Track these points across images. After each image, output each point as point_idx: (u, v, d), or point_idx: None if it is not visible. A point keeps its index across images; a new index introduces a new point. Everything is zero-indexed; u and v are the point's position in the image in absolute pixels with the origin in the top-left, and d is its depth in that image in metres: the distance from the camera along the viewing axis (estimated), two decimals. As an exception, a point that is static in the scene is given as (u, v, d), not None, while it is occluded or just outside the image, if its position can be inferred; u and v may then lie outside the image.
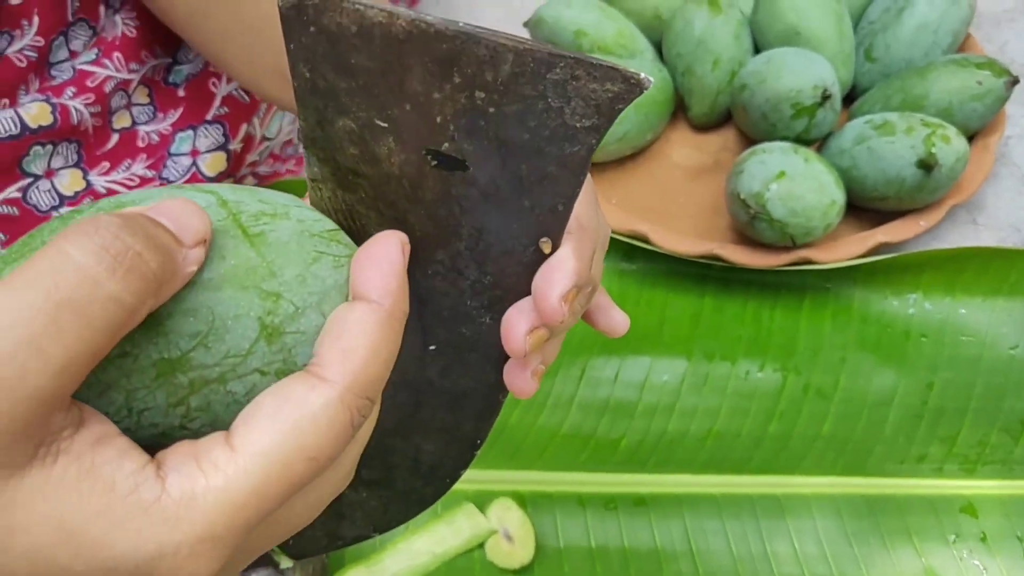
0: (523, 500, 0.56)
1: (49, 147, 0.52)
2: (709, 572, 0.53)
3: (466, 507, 0.55)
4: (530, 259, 0.30)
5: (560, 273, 0.29)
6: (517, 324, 0.30)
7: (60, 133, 0.52)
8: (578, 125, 0.26)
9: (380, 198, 0.29)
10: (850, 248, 0.63)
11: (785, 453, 0.58)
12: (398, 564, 0.54)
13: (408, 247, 0.26)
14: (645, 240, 0.65)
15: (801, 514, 0.55)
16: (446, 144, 0.27)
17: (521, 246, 0.30)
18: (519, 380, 0.33)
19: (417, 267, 0.30)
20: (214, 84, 0.60)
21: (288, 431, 0.21)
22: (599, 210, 0.34)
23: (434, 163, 0.28)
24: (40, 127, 0.50)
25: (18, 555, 0.20)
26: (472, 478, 0.53)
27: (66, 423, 0.20)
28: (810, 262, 0.63)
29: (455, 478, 0.40)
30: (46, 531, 0.19)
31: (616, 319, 0.36)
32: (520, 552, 0.54)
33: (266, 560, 0.47)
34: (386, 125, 0.27)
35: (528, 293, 0.31)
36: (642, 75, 0.25)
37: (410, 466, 0.39)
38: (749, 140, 0.71)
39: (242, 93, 0.61)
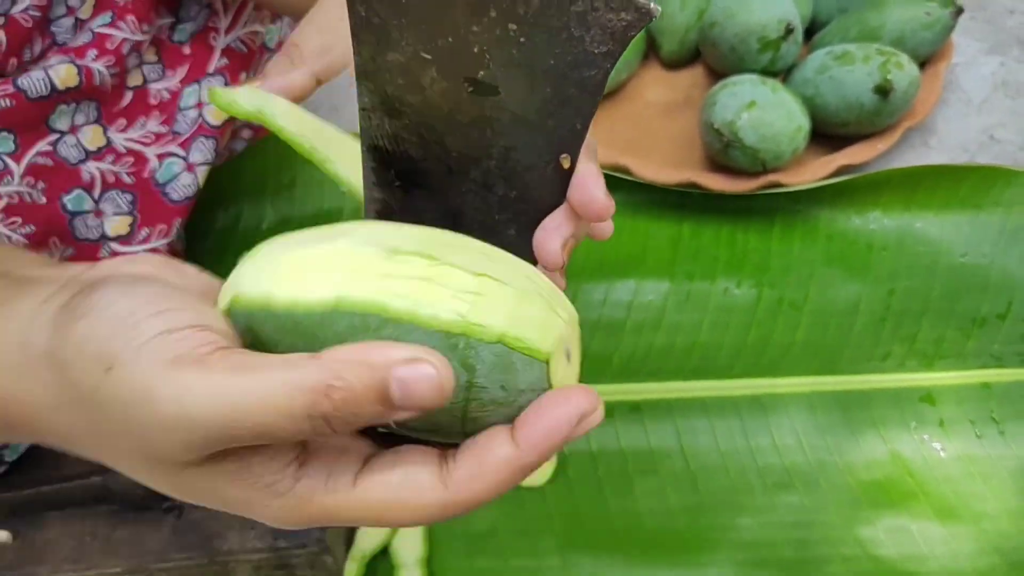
0: (528, 412, 0.61)
1: (72, 105, 0.55)
2: (699, 466, 0.59)
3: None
4: (551, 174, 0.34)
5: (594, 178, 0.34)
6: (551, 238, 0.35)
7: (83, 93, 0.55)
8: (596, 51, 0.31)
9: (422, 124, 0.33)
10: (815, 171, 0.68)
11: (764, 359, 0.63)
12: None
13: (592, 419, 0.26)
14: (627, 172, 0.69)
15: (779, 411, 0.61)
16: (482, 72, 0.31)
17: (543, 162, 0.34)
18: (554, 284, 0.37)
19: (453, 185, 0.35)
20: (214, 38, 0.63)
21: (391, 505, 0.26)
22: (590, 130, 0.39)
23: (471, 90, 0.32)
24: (68, 88, 0.53)
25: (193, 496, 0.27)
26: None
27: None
28: (779, 185, 0.68)
29: None
30: (210, 498, 0.27)
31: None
32: (535, 475, 0.59)
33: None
34: (430, 57, 0.31)
35: (548, 206, 0.35)
36: (652, 4, 0.29)
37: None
38: (717, 76, 0.76)
39: (240, 44, 0.64)
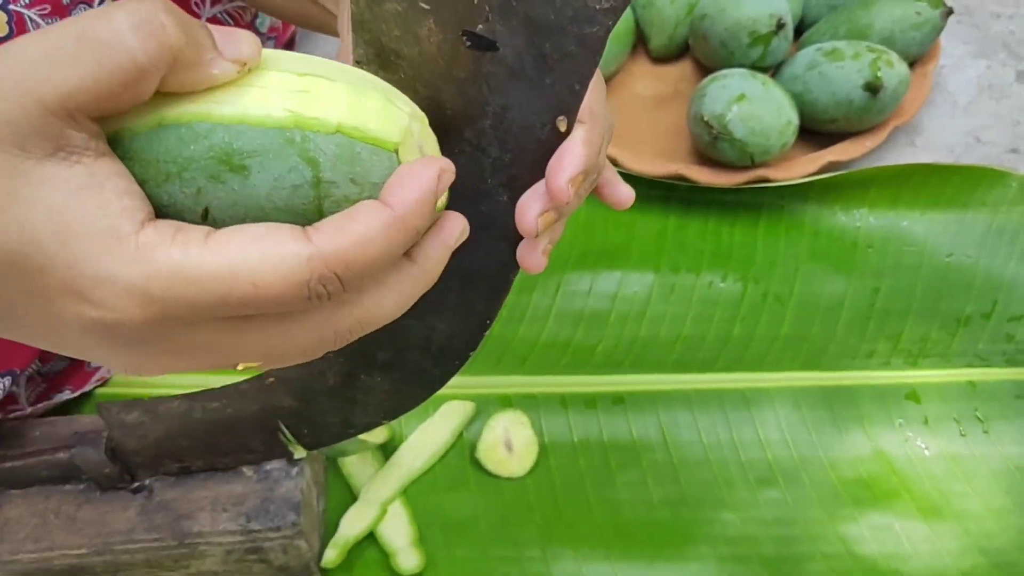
0: (510, 401, 0.60)
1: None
2: (682, 460, 0.58)
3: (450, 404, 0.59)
4: (547, 136, 0.33)
5: (570, 158, 0.33)
6: (530, 207, 0.34)
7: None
8: (598, 7, 0.30)
9: (417, 78, 0.32)
10: (803, 167, 0.68)
11: (748, 353, 0.62)
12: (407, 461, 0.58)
13: (449, 175, 0.27)
14: (615, 163, 0.68)
15: (764, 406, 0.60)
16: (480, 25, 0.30)
17: (540, 123, 0.33)
18: (531, 257, 0.36)
19: (445, 145, 0.34)
20: (197, 5, 0.61)
21: (251, 255, 0.24)
22: (607, 104, 0.38)
23: (468, 43, 0.31)
24: None
25: (10, 219, 0.23)
26: (461, 383, 0.57)
27: (87, 145, 0.24)
28: (767, 180, 0.67)
29: (464, 359, 0.43)
30: (40, 210, 0.23)
31: (622, 191, 0.39)
32: (514, 465, 0.58)
33: (280, 451, 0.50)
34: (428, 7, 0.30)
35: (541, 171, 0.34)
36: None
37: (422, 347, 0.42)
38: (706, 70, 0.76)
39: (226, 16, 0.62)
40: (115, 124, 0.25)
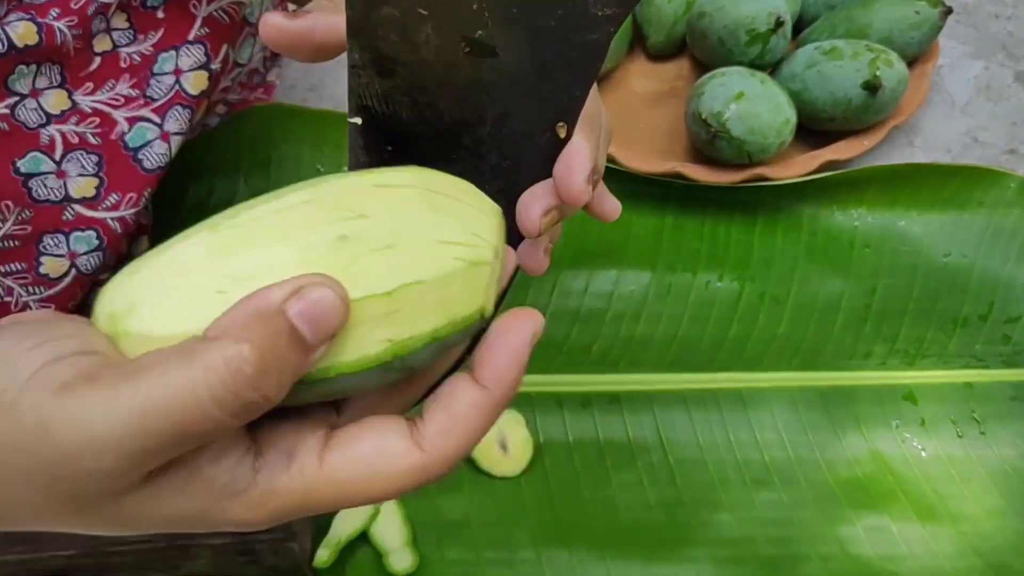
0: (504, 401, 0.60)
1: (33, 67, 0.52)
2: (678, 460, 0.58)
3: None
4: (546, 143, 0.33)
5: (580, 158, 0.32)
6: (532, 206, 0.33)
7: (44, 54, 0.52)
8: (599, 14, 0.29)
9: (415, 85, 0.31)
10: (800, 166, 0.67)
11: (745, 353, 0.62)
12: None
13: (541, 326, 0.26)
14: (612, 161, 0.68)
15: (760, 406, 0.60)
16: (480, 31, 0.30)
17: (539, 130, 0.32)
18: (533, 258, 0.36)
19: (443, 152, 0.33)
20: (195, 6, 0.60)
21: (367, 478, 0.24)
22: (602, 108, 0.37)
23: (467, 50, 0.30)
24: (27, 46, 0.50)
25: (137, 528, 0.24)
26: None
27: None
28: (764, 179, 0.67)
29: (458, 364, 0.42)
30: (158, 522, 0.24)
31: (610, 204, 0.39)
32: (509, 464, 0.57)
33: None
34: (426, 13, 0.29)
35: (541, 178, 0.33)
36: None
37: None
38: (703, 68, 0.75)
39: (222, 14, 0.61)
40: (151, 326, 0.24)
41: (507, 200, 0.35)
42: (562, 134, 0.32)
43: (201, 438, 0.22)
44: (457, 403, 0.25)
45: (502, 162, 0.33)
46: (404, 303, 0.24)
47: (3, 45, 0.49)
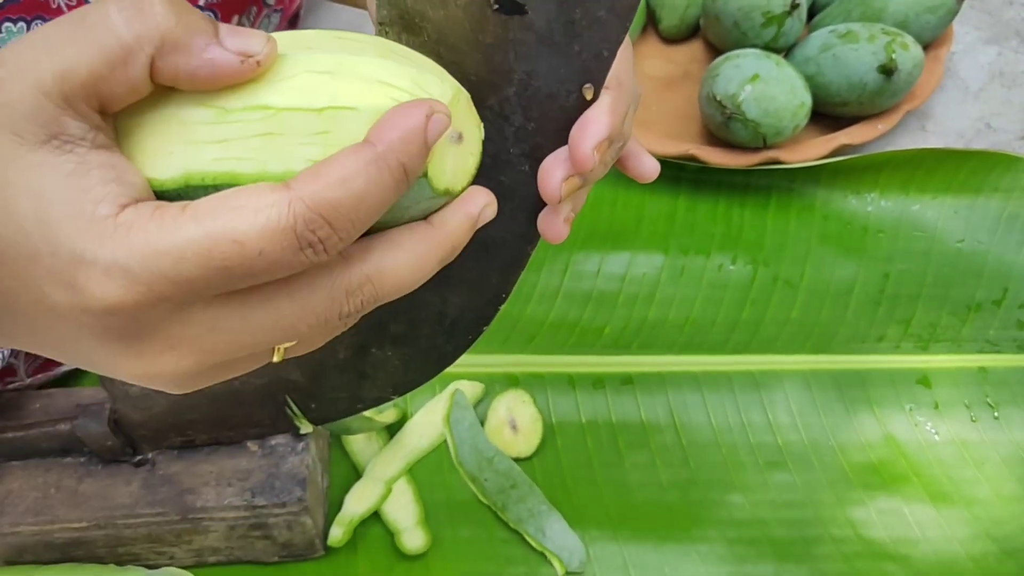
0: (517, 381, 0.60)
1: (22, 25, 0.51)
2: (691, 441, 0.58)
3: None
4: (572, 104, 0.32)
5: (595, 125, 0.32)
6: (553, 172, 0.33)
7: (29, 9, 0.50)
8: None
9: (442, 41, 0.31)
10: (814, 149, 0.67)
11: (758, 336, 0.62)
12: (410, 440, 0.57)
13: (441, 119, 0.24)
14: (624, 142, 0.68)
15: (774, 388, 0.59)
16: None
17: (566, 91, 0.32)
18: (553, 225, 0.35)
19: (468, 113, 0.33)
20: None
21: (227, 212, 0.22)
22: (634, 73, 0.37)
23: (496, 7, 0.30)
24: (5, 1, 0.49)
25: None
26: (468, 362, 0.56)
27: (83, 134, 0.23)
28: (778, 162, 0.67)
29: (477, 334, 0.42)
30: (26, 197, 0.23)
31: (647, 164, 0.38)
32: (522, 444, 0.57)
33: (286, 426, 0.49)
34: None
35: (566, 141, 0.33)
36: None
37: (435, 320, 0.41)
38: (716, 52, 0.75)
39: (225, -8, 0.61)
40: (143, 171, 0.24)
41: (531, 163, 0.34)
42: (588, 96, 0.32)
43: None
44: (335, 155, 0.24)
45: (527, 124, 0.33)
46: (333, 125, 0.24)
47: None
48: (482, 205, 0.28)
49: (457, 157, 0.27)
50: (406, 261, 0.26)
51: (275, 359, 0.27)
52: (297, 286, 0.25)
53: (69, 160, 0.23)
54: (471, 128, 0.28)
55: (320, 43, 0.26)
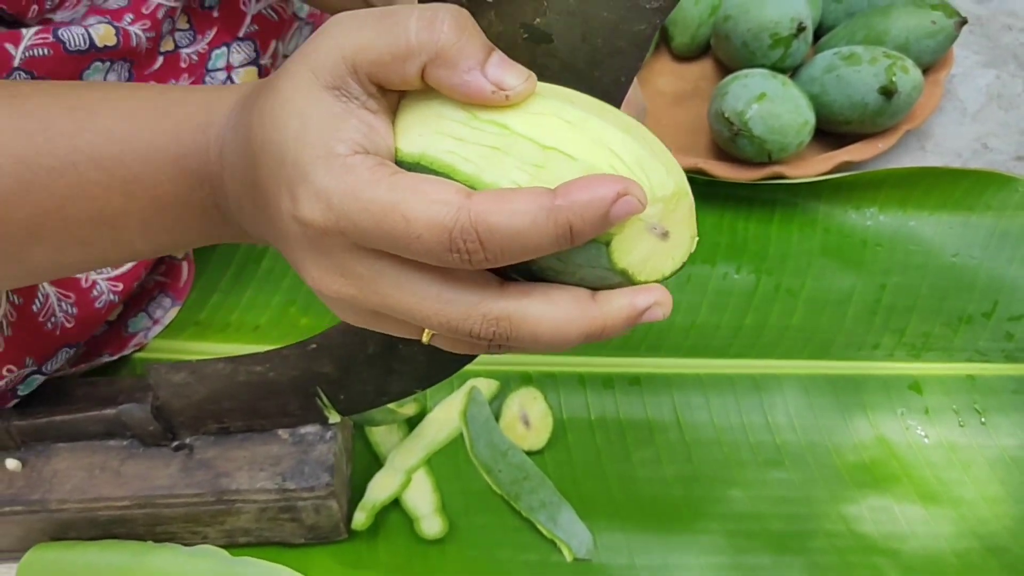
0: (531, 379, 0.63)
1: (107, 63, 0.55)
2: (695, 440, 0.61)
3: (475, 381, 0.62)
4: None
5: None
6: None
7: (119, 53, 0.55)
8: (648, 7, 0.32)
9: None
10: (817, 166, 0.70)
11: (760, 341, 0.65)
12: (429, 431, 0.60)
13: (631, 202, 0.26)
14: (636, 155, 0.71)
15: (773, 391, 0.63)
16: (538, 19, 0.33)
17: None
18: None
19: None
20: (244, 3, 0.64)
21: (413, 194, 0.26)
22: (638, 89, 0.41)
23: (525, 36, 0.33)
24: (105, 47, 0.54)
25: (284, 114, 0.29)
26: (485, 360, 0.60)
27: (359, 95, 0.29)
28: (782, 177, 0.70)
29: None
30: (299, 117, 0.28)
31: None
32: (533, 438, 0.60)
33: (315, 416, 0.53)
34: (491, 0, 0.32)
35: None
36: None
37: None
38: (725, 70, 0.78)
39: (271, 12, 0.65)
40: (397, 143, 0.29)
41: None
42: None
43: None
44: (522, 189, 0.27)
45: None
46: (549, 164, 0.27)
47: (85, 42, 0.53)
48: (652, 301, 0.28)
49: (653, 249, 0.28)
50: (551, 318, 0.28)
51: (423, 339, 0.31)
52: (447, 284, 0.28)
53: (339, 105, 0.28)
54: (683, 233, 0.29)
55: (580, 101, 0.29)
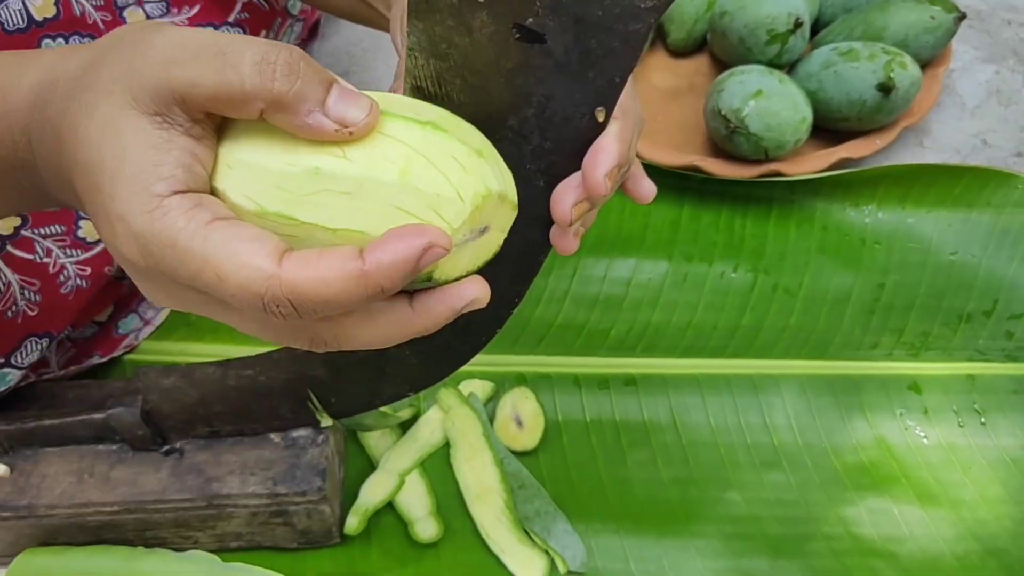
0: (525, 380, 0.62)
1: (60, 41, 0.53)
2: (691, 441, 0.60)
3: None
4: (586, 126, 0.35)
5: (605, 154, 0.35)
6: (564, 198, 0.36)
7: (67, 26, 0.53)
8: (642, 6, 0.32)
9: (467, 66, 0.34)
10: (815, 163, 0.70)
11: (757, 341, 0.65)
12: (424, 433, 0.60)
13: (438, 252, 0.26)
14: (632, 152, 0.70)
15: (771, 391, 0.62)
16: (531, 19, 0.32)
17: (580, 114, 0.35)
18: (563, 241, 0.38)
19: (489, 132, 0.35)
20: None
21: (226, 253, 0.26)
22: (637, 100, 0.40)
23: (518, 36, 0.33)
24: (45, 19, 0.51)
25: (101, 139, 0.28)
26: (480, 361, 0.58)
27: (183, 123, 0.28)
28: (779, 174, 0.69)
29: (491, 336, 0.45)
30: (116, 144, 0.28)
31: (645, 187, 0.41)
32: (526, 438, 0.60)
33: (307, 420, 0.52)
34: (482, 0, 0.32)
35: (578, 160, 0.36)
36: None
37: (452, 322, 0.44)
38: (722, 66, 0.78)
39: (262, 1, 0.64)
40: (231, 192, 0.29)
41: (546, 179, 0.37)
42: (601, 118, 0.35)
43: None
44: (332, 252, 0.26)
45: (544, 143, 0.36)
46: (348, 244, 0.27)
47: (23, 18, 0.50)
48: (470, 299, 0.30)
49: (476, 248, 0.30)
50: (376, 335, 0.30)
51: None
52: (265, 317, 0.28)
53: (160, 135, 0.27)
54: (502, 219, 0.30)
55: (417, 111, 0.29)
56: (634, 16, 0.32)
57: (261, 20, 0.64)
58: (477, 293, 0.30)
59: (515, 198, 0.31)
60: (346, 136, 0.28)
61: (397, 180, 0.27)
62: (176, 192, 0.27)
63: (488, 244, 0.30)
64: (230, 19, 0.62)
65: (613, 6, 0.32)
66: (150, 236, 0.27)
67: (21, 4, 0.50)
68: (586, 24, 0.32)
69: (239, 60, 0.27)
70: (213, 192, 0.29)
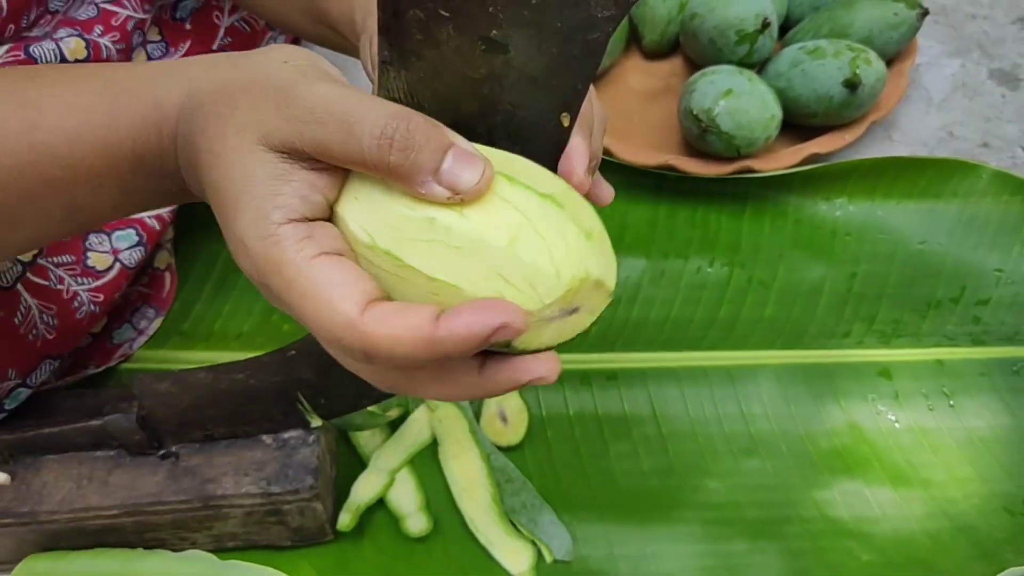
0: (509, 377, 0.64)
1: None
2: (671, 432, 0.62)
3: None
4: (552, 131, 0.37)
5: (578, 154, 0.37)
6: None
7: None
8: (600, 16, 0.34)
9: (436, 77, 0.36)
10: (786, 159, 0.72)
11: (733, 333, 0.67)
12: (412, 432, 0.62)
13: (511, 331, 0.28)
14: (609, 154, 0.72)
15: (747, 382, 0.64)
16: (494, 31, 0.34)
17: (546, 119, 0.37)
18: None
19: (460, 140, 0.37)
20: (217, 17, 0.65)
21: (316, 292, 0.29)
22: (597, 100, 0.42)
23: (483, 47, 0.35)
24: (76, 60, 0.55)
25: (231, 163, 0.31)
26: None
27: (303, 162, 0.31)
28: (752, 171, 0.71)
29: None
30: (243, 170, 0.31)
31: (605, 190, 0.43)
32: (511, 434, 0.62)
33: (298, 421, 0.54)
34: (448, 15, 0.34)
35: (546, 163, 0.38)
36: (652, -25, 0.32)
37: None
38: (695, 67, 0.80)
39: (243, 24, 0.66)
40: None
41: None
42: (565, 123, 0.37)
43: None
44: (412, 311, 0.28)
45: (512, 148, 0.38)
46: (442, 294, 0.30)
47: (56, 57, 0.53)
48: (537, 376, 0.30)
49: (562, 326, 0.31)
50: (443, 391, 0.32)
51: None
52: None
53: (283, 168, 0.31)
54: (594, 303, 0.32)
55: (538, 182, 0.32)
56: (592, 26, 0.34)
57: (245, 43, 0.66)
58: (545, 372, 0.30)
59: (612, 286, 0.33)
60: (457, 202, 0.30)
61: (504, 246, 0.30)
62: (291, 220, 0.30)
63: (574, 324, 0.32)
64: (214, 46, 0.64)
65: (572, 17, 0.33)
66: (263, 260, 0.30)
67: (55, 45, 0.53)
68: (547, 34, 0.34)
69: (361, 132, 0.29)
70: (334, 216, 0.32)
